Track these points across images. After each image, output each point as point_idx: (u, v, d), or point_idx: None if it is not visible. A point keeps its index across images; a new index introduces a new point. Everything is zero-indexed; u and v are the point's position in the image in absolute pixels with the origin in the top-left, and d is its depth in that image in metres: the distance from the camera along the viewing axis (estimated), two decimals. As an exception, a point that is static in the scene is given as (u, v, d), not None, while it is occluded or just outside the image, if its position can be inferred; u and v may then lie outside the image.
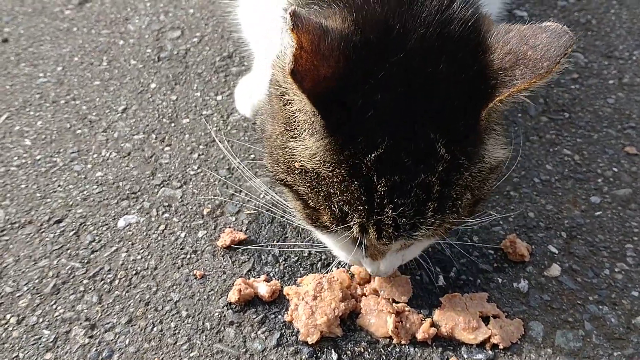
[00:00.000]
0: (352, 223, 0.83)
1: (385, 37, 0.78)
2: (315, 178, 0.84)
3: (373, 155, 0.78)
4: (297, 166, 0.85)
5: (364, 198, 0.80)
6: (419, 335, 0.98)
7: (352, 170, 0.80)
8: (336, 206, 0.83)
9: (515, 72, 0.76)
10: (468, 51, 0.80)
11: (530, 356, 0.96)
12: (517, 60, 0.76)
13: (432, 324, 1.00)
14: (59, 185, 1.30)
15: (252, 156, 1.34)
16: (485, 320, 1.00)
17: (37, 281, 1.11)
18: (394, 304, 1.02)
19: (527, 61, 0.75)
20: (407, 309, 1.01)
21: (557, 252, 1.11)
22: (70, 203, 1.26)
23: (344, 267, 1.09)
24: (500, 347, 0.97)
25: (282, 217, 1.18)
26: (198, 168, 1.32)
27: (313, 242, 1.13)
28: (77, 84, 1.58)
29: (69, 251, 1.16)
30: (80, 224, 1.21)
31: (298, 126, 0.84)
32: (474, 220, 0.94)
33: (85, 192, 1.28)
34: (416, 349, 0.98)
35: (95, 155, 1.37)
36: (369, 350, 0.98)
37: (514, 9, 1.69)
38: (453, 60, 0.79)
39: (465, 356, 0.97)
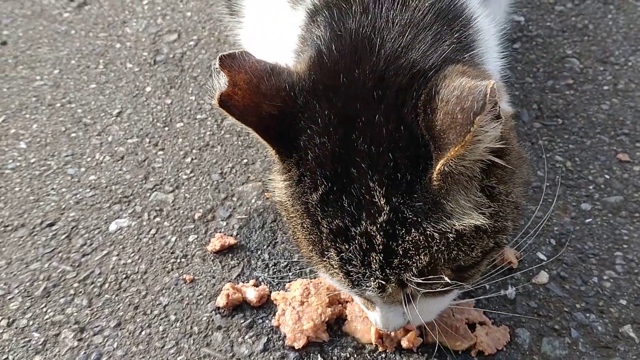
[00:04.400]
0: (315, 261, 0.84)
1: (334, 84, 0.79)
2: (286, 212, 0.86)
3: (315, 195, 0.79)
4: (276, 199, 0.88)
5: (315, 237, 0.81)
6: (404, 344, 0.98)
7: (304, 207, 0.80)
8: (303, 243, 0.84)
9: (450, 135, 0.70)
10: (413, 106, 0.75)
11: (515, 363, 0.97)
12: (451, 122, 0.69)
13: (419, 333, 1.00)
14: (52, 189, 1.31)
15: (245, 160, 1.35)
16: (472, 327, 1.00)
17: (28, 284, 1.12)
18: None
19: (457, 124, 0.69)
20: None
21: (545, 259, 1.11)
22: (63, 206, 1.27)
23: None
24: (486, 354, 0.97)
25: (272, 222, 1.19)
26: (191, 172, 1.33)
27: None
28: (74, 87, 1.59)
29: (60, 254, 1.17)
30: (72, 228, 1.22)
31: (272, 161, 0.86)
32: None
33: (78, 196, 1.29)
34: (402, 355, 0.98)
35: (89, 159, 1.38)
36: (355, 355, 0.99)
37: (512, 13, 1.69)
38: (398, 114, 0.76)
39: (450, 363, 0.97)
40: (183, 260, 1.15)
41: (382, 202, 0.75)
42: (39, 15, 1.89)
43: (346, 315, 1.03)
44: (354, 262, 0.78)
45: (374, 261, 0.77)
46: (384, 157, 0.75)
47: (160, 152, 1.38)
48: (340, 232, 0.78)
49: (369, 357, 0.99)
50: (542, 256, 1.12)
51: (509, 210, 0.82)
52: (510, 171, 0.81)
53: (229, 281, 1.10)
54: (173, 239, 1.19)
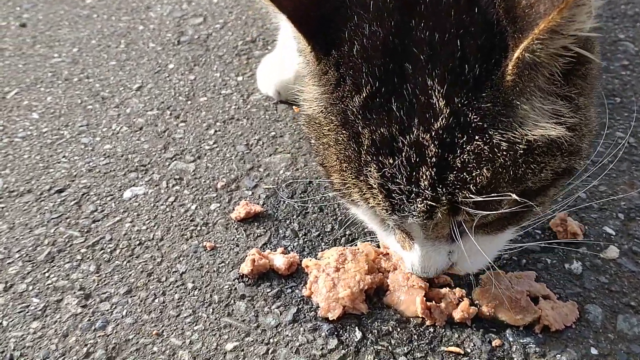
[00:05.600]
0: (349, 183, 0.71)
1: None
2: (317, 128, 0.74)
3: (357, 99, 0.66)
4: (307, 114, 0.75)
5: (352, 153, 0.68)
6: (457, 315, 0.85)
7: (341, 117, 0.68)
8: (335, 163, 0.71)
9: (540, 7, 0.58)
10: None
11: (588, 341, 0.82)
12: None
13: (472, 304, 0.86)
14: (63, 157, 1.20)
15: (273, 133, 1.24)
16: (534, 301, 0.86)
17: (30, 249, 1.00)
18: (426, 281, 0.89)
19: None
20: (442, 290, 0.88)
21: (614, 233, 0.98)
22: (74, 174, 1.16)
23: (369, 241, 0.97)
24: (552, 330, 0.83)
25: (303, 192, 1.08)
26: (214, 143, 1.22)
27: (336, 217, 1.02)
28: (92, 63, 1.50)
29: (68, 220, 1.06)
30: (83, 194, 1.11)
31: (305, 68, 0.74)
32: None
33: (91, 164, 1.18)
34: (453, 330, 0.85)
35: (105, 129, 1.27)
36: (398, 329, 0.85)
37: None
38: None
39: (510, 339, 0.83)
40: (204, 228, 1.03)
41: (441, 104, 0.62)
42: (61, 1, 1.83)
43: (387, 286, 0.90)
44: (397, 180, 0.65)
45: (424, 177, 0.64)
46: (449, 46, 0.62)
47: (182, 124, 1.28)
48: (385, 142, 0.65)
49: (414, 331, 0.85)
50: (609, 230, 0.98)
51: (587, 129, 0.69)
52: (590, 84, 0.69)
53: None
54: (193, 207, 1.07)
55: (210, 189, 1.11)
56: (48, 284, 0.94)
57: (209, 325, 0.87)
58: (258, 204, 1.07)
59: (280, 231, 1.02)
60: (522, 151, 0.64)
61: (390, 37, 0.65)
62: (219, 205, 1.07)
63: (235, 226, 1.03)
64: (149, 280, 0.94)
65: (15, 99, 1.38)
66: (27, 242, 1.02)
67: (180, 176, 1.14)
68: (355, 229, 1.00)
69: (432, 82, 0.63)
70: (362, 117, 0.66)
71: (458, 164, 0.64)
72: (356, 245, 0.96)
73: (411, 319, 0.86)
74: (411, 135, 0.64)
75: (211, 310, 0.89)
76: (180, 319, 0.88)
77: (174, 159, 1.18)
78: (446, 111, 0.63)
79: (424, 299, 0.86)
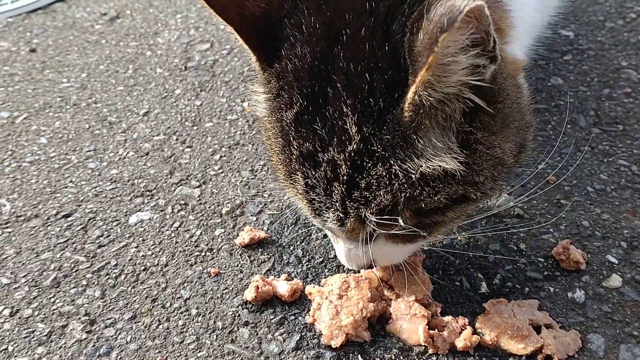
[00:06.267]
0: (286, 183, 0.79)
1: None
2: (265, 129, 0.81)
3: (290, 114, 0.73)
4: (257, 115, 0.83)
5: (286, 158, 0.75)
6: (460, 344, 0.85)
7: (280, 125, 0.75)
8: (277, 162, 0.79)
9: (422, 57, 0.61)
10: (402, 23, 0.67)
11: (590, 371, 0.82)
12: (427, 43, 0.60)
13: (474, 332, 0.87)
14: (70, 181, 1.22)
15: (278, 159, 1.25)
16: (536, 329, 0.87)
17: (36, 274, 1.01)
18: (428, 309, 0.89)
19: (428, 44, 0.60)
20: (445, 318, 0.89)
21: (616, 262, 0.98)
22: (81, 198, 1.17)
23: (372, 268, 0.97)
24: (555, 359, 0.83)
25: (307, 218, 1.08)
26: (219, 169, 1.23)
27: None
28: (100, 88, 1.52)
29: (74, 245, 1.07)
30: (89, 219, 1.12)
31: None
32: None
33: (97, 189, 1.19)
34: (455, 359, 0.85)
35: (111, 154, 1.29)
36: (401, 358, 0.85)
37: (560, 28, 1.61)
38: (384, 30, 0.68)
39: (513, 369, 0.83)
40: (208, 253, 1.04)
41: (353, 131, 0.69)
42: (70, 26, 1.86)
43: (390, 314, 0.90)
44: (317, 190, 0.74)
45: (336, 191, 0.72)
46: (361, 78, 0.67)
47: (188, 149, 1.29)
48: (309, 156, 0.72)
49: (417, 359, 0.85)
50: (612, 259, 0.99)
51: (487, 164, 0.73)
52: (500, 122, 0.72)
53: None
54: (198, 233, 1.08)
55: (215, 215, 1.12)
56: (53, 309, 0.95)
57: (213, 352, 0.87)
58: (262, 229, 1.07)
59: (284, 257, 1.02)
60: (418, 177, 0.70)
61: (316, 62, 0.70)
62: (223, 230, 1.08)
63: (240, 252, 1.04)
64: (153, 306, 0.95)
65: (24, 123, 1.40)
66: (33, 267, 1.03)
67: (186, 201, 1.15)
68: (358, 256, 1.01)
69: (346, 109, 0.68)
70: (294, 129, 0.73)
71: (363, 184, 0.70)
72: (359, 272, 0.96)
73: (414, 347, 0.87)
74: (328, 154, 0.70)
75: (215, 336, 0.90)
76: (184, 345, 0.89)
77: (179, 184, 1.20)
78: (357, 138, 0.69)
79: (427, 327, 0.86)
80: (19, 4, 1.98)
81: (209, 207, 1.14)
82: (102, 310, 0.95)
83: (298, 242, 1.05)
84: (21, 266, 1.03)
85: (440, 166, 0.69)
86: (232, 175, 1.21)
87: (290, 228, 1.08)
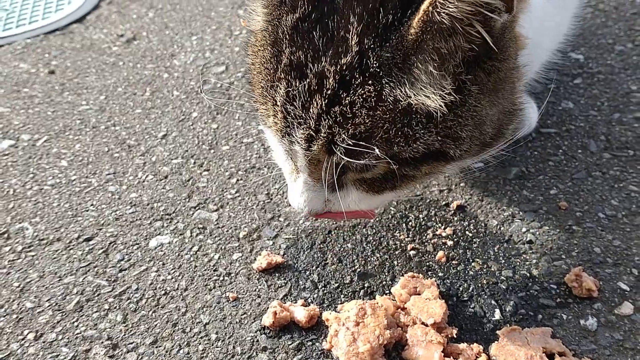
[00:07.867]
0: (262, 99, 0.77)
1: None
2: (254, 42, 0.80)
3: (290, 19, 0.72)
4: (251, 30, 0.82)
5: (271, 68, 0.74)
6: (474, 371, 0.87)
7: (274, 35, 0.74)
8: (257, 77, 0.77)
9: None
10: None
11: (603, 399, 0.84)
12: None
13: (489, 359, 0.89)
14: (91, 205, 1.25)
15: (293, 183, 1.27)
16: (550, 357, 0.88)
17: (60, 298, 1.04)
18: (443, 335, 0.91)
19: None
20: (460, 345, 0.90)
21: (628, 289, 1.00)
22: (102, 222, 1.20)
23: (388, 294, 0.99)
24: (568, 387, 0.85)
25: (322, 243, 1.11)
26: (236, 192, 1.26)
27: (355, 269, 1.05)
28: (119, 111, 1.56)
29: (96, 269, 1.09)
30: (110, 243, 1.15)
31: None
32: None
33: (118, 212, 1.22)
34: (470, 386, 0.87)
35: (131, 177, 1.32)
36: (417, 384, 0.87)
37: (570, 51, 1.63)
38: None
39: (527, 396, 0.85)
40: (226, 278, 1.06)
41: (353, 42, 0.68)
42: (88, 48, 1.89)
43: (406, 340, 0.92)
44: (295, 103, 0.71)
45: (315, 104, 0.70)
46: None
47: (205, 173, 1.32)
48: (298, 66, 0.71)
49: (432, 386, 0.87)
50: (624, 286, 1.00)
51: (470, 121, 0.74)
52: (493, 83, 0.73)
53: (276, 300, 1.00)
54: (216, 257, 1.10)
55: (233, 238, 1.14)
56: (77, 334, 0.98)
57: (232, 377, 0.90)
58: (279, 254, 1.10)
59: (301, 282, 1.05)
60: (401, 112, 0.69)
61: None
62: (241, 255, 1.11)
63: (257, 277, 1.06)
64: (174, 331, 0.97)
65: (45, 146, 1.44)
66: (56, 291, 1.05)
67: (204, 225, 1.18)
68: (373, 281, 1.03)
69: (353, 18, 0.68)
70: (289, 37, 0.72)
71: (346, 102, 0.69)
72: (375, 298, 0.98)
73: (429, 373, 0.89)
74: (319, 64, 0.69)
75: (234, 362, 0.92)
76: (204, 370, 0.91)
77: (197, 207, 1.22)
78: (354, 50, 0.68)
79: (442, 354, 0.88)
80: (37, 25, 2.03)
81: (227, 230, 1.16)
82: (124, 335, 0.97)
83: (314, 267, 1.07)
84: (45, 290, 1.06)
85: (427, 104, 0.69)
86: (248, 199, 1.24)
87: (306, 252, 1.10)
